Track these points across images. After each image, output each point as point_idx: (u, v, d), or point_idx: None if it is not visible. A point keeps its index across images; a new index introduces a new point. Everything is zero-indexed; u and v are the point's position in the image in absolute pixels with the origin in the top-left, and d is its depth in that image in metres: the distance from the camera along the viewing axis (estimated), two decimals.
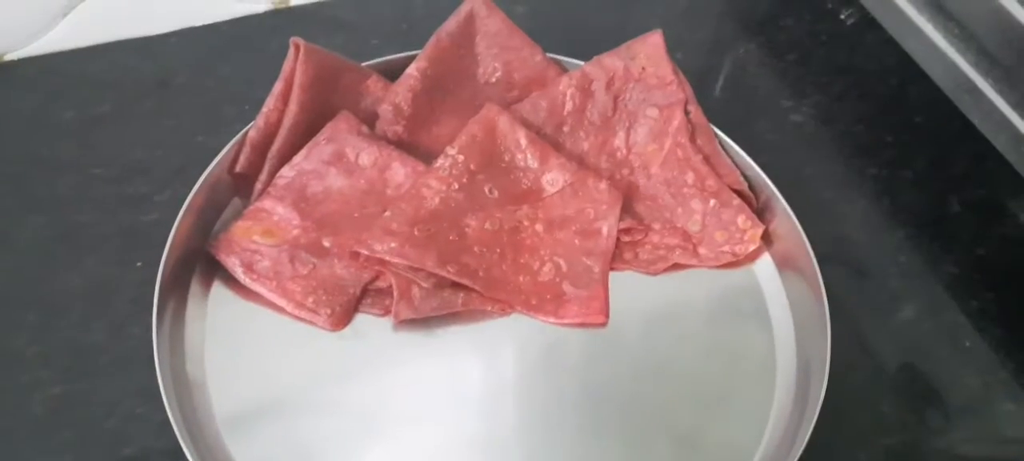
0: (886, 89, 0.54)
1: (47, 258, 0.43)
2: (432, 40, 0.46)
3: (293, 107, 0.43)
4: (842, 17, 0.57)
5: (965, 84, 0.44)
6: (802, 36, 0.57)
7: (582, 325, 0.41)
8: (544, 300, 0.41)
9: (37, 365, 0.39)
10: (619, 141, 0.47)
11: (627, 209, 0.44)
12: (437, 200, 0.42)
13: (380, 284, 0.41)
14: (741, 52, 0.56)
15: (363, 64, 0.47)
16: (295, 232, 0.42)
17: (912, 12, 0.46)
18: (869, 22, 0.56)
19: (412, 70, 0.46)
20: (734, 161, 0.46)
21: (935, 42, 0.45)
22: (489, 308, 0.41)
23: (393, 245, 0.40)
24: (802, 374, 0.40)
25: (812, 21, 0.57)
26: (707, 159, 0.45)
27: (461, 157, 0.43)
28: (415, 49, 0.47)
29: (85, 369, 0.39)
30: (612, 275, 0.43)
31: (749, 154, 0.45)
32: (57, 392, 0.38)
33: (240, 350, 0.39)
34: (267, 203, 0.42)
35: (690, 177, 0.45)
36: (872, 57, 0.56)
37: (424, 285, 0.40)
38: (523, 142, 0.44)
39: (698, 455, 0.38)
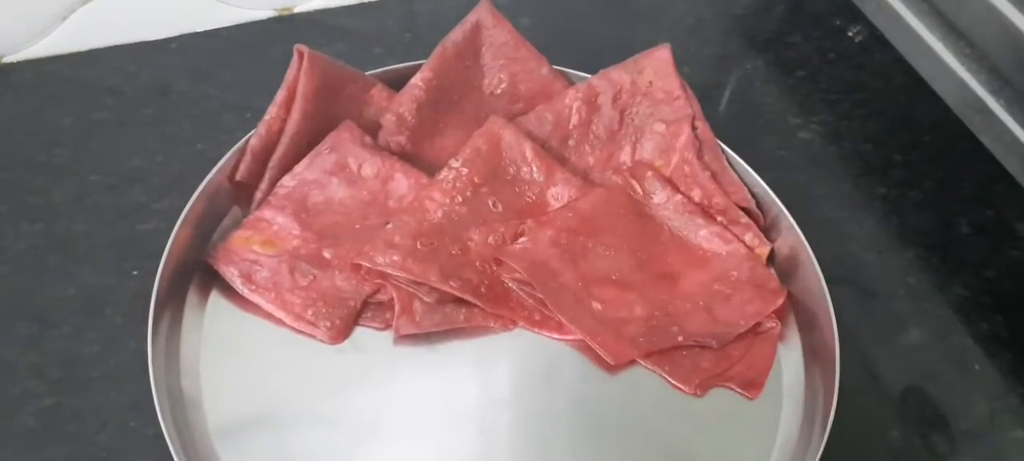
0: (895, 108, 0.54)
1: (41, 267, 0.42)
2: (437, 50, 0.46)
3: (296, 115, 0.43)
4: (850, 34, 0.57)
5: (976, 104, 0.44)
6: (810, 53, 0.56)
7: (582, 341, 0.40)
8: (547, 315, 0.41)
9: (29, 376, 0.38)
10: (625, 156, 0.46)
11: None
12: (440, 213, 0.42)
13: (381, 297, 0.40)
14: (748, 68, 0.56)
15: (367, 73, 0.46)
16: (295, 243, 0.41)
17: (923, 30, 0.46)
18: (878, 40, 0.56)
19: (417, 80, 0.45)
20: (741, 178, 0.45)
21: (946, 61, 0.45)
22: (492, 324, 0.40)
23: (395, 258, 0.39)
24: (809, 398, 0.39)
25: (820, 38, 0.57)
26: (714, 176, 0.45)
27: (465, 170, 0.43)
28: (420, 59, 0.46)
29: (78, 381, 0.38)
30: None
31: (756, 171, 0.45)
32: (49, 404, 0.38)
33: (237, 362, 0.38)
34: (267, 213, 0.42)
35: (697, 194, 0.44)
36: (881, 75, 0.55)
37: (426, 300, 0.40)
38: (529, 154, 0.44)
39: None
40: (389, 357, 0.39)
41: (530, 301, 0.41)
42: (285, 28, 0.55)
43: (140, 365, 0.36)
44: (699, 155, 0.45)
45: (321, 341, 0.39)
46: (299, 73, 0.42)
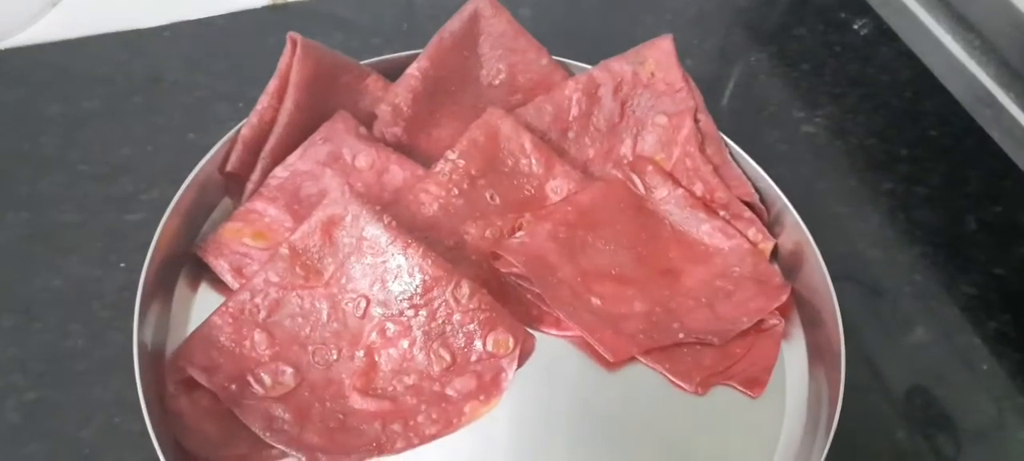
0: (901, 102, 0.53)
1: (26, 258, 0.41)
2: (434, 40, 0.45)
3: (288, 105, 0.42)
4: (856, 27, 0.56)
5: (985, 98, 0.43)
6: (815, 46, 0.56)
7: (581, 337, 0.39)
8: (545, 311, 0.40)
9: (11, 369, 0.37)
10: (626, 148, 0.45)
11: None
12: (436, 206, 0.41)
13: None
14: (752, 61, 0.55)
15: (362, 63, 0.45)
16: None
17: (931, 22, 0.45)
18: (883, 32, 0.55)
19: (413, 70, 0.44)
20: (744, 172, 0.44)
21: (954, 54, 0.44)
22: None
23: None
24: (813, 398, 0.38)
25: (825, 31, 0.56)
26: (717, 169, 0.44)
27: (462, 162, 0.42)
28: (417, 48, 0.45)
29: (61, 375, 0.37)
30: None
31: (760, 165, 0.44)
32: (31, 398, 0.37)
33: None
34: (259, 204, 0.41)
35: (699, 188, 0.44)
36: (886, 69, 0.55)
37: None
38: (527, 146, 0.43)
39: None
40: None
41: (528, 296, 0.40)
42: (280, 17, 0.54)
43: (126, 360, 0.35)
44: (701, 148, 0.44)
45: None
46: (292, 61, 0.42)
